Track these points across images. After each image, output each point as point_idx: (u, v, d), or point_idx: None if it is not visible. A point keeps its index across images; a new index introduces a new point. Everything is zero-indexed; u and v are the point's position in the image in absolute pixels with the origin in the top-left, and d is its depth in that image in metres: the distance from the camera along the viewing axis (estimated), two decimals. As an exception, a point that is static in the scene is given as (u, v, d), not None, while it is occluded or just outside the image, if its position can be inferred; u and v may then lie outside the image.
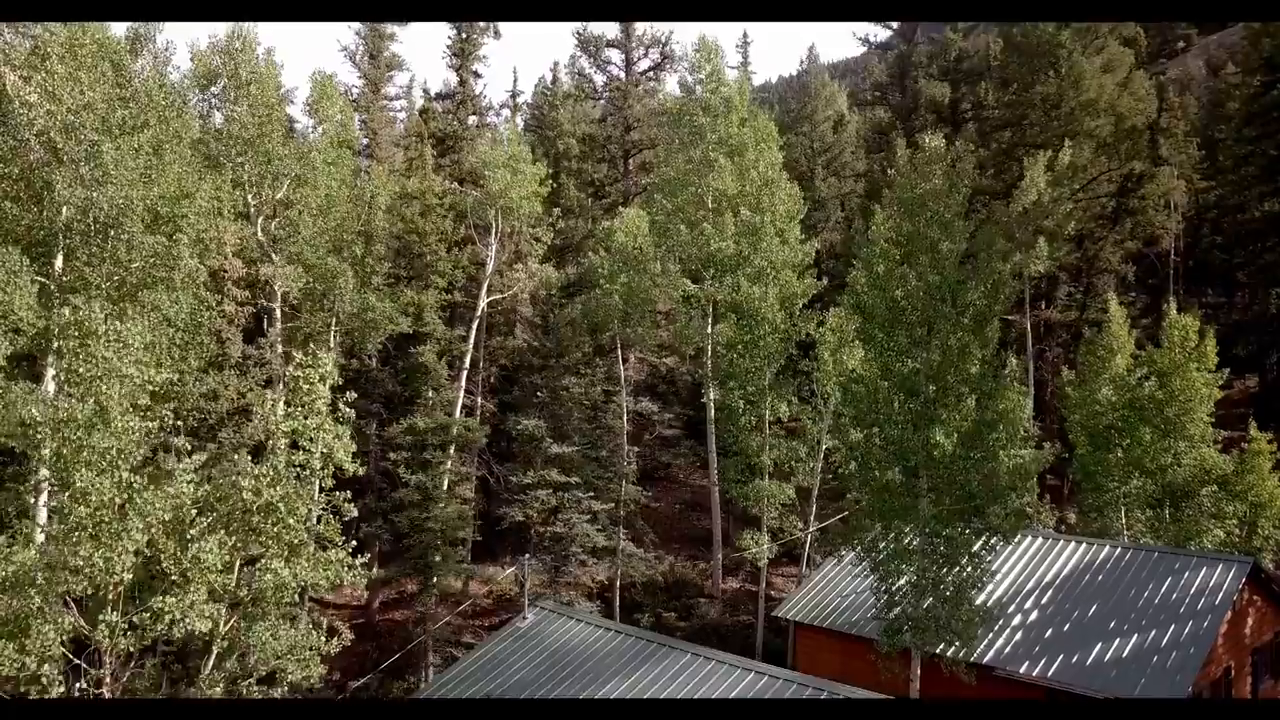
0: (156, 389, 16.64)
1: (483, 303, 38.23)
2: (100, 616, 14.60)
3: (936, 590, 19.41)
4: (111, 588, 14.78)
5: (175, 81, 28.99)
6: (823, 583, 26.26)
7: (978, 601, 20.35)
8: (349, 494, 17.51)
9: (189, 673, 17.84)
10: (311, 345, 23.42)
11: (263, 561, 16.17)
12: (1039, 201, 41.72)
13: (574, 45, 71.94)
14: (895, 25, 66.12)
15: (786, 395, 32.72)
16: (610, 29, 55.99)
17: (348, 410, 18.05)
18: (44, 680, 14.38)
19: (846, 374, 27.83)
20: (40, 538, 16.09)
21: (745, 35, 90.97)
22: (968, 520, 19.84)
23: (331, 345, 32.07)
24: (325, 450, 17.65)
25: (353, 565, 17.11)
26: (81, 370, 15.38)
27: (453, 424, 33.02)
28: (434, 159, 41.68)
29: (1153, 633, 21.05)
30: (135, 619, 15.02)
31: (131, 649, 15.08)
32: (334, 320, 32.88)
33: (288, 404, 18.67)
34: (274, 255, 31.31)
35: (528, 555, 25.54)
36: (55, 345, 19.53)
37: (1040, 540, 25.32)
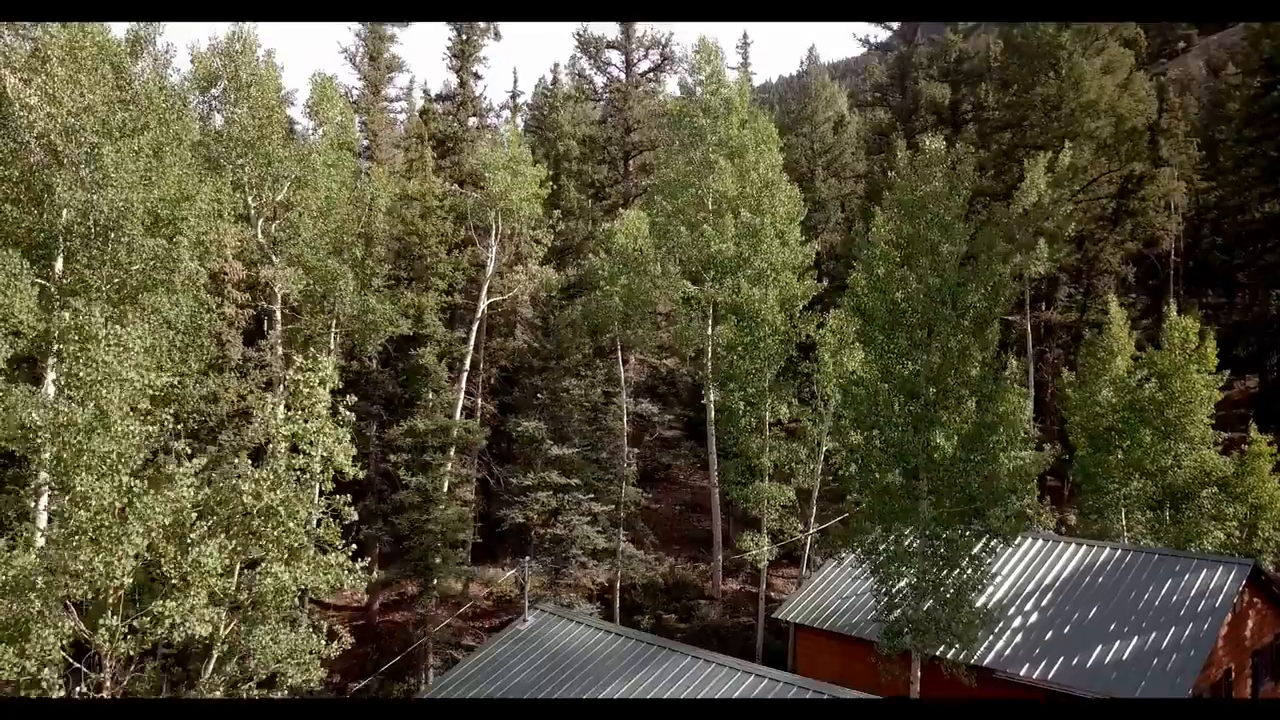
0: (157, 392, 16.64)
1: (483, 304, 38.24)
2: (100, 621, 14.61)
3: (937, 592, 19.40)
4: (112, 592, 14.78)
5: (175, 84, 29.01)
6: (823, 585, 26.25)
7: (978, 604, 20.34)
8: (349, 497, 17.50)
9: (189, 676, 17.82)
10: (311, 348, 23.46)
11: (263, 565, 16.17)
12: (1039, 203, 41.74)
13: (574, 46, 71.94)
14: (895, 26, 66.17)
15: (787, 397, 32.72)
16: (610, 30, 56.08)
17: (348, 414, 18.05)
18: (44, 684, 14.39)
19: (847, 376, 27.82)
20: (40, 541, 16.08)
21: (745, 36, 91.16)
22: (968, 522, 19.85)
23: (331, 347, 32.08)
24: (325, 454, 17.64)
25: (353, 569, 17.11)
26: (82, 374, 15.39)
27: (453, 426, 33.03)
28: (434, 161, 41.69)
29: (1153, 635, 21.05)
30: (135, 623, 15.01)
31: (131, 653, 15.07)
32: (334, 322, 32.89)
33: (288, 407, 18.66)
34: (274, 257, 31.31)
35: (528, 557, 25.54)
36: (55, 348, 19.53)
37: (1040, 542, 25.31)
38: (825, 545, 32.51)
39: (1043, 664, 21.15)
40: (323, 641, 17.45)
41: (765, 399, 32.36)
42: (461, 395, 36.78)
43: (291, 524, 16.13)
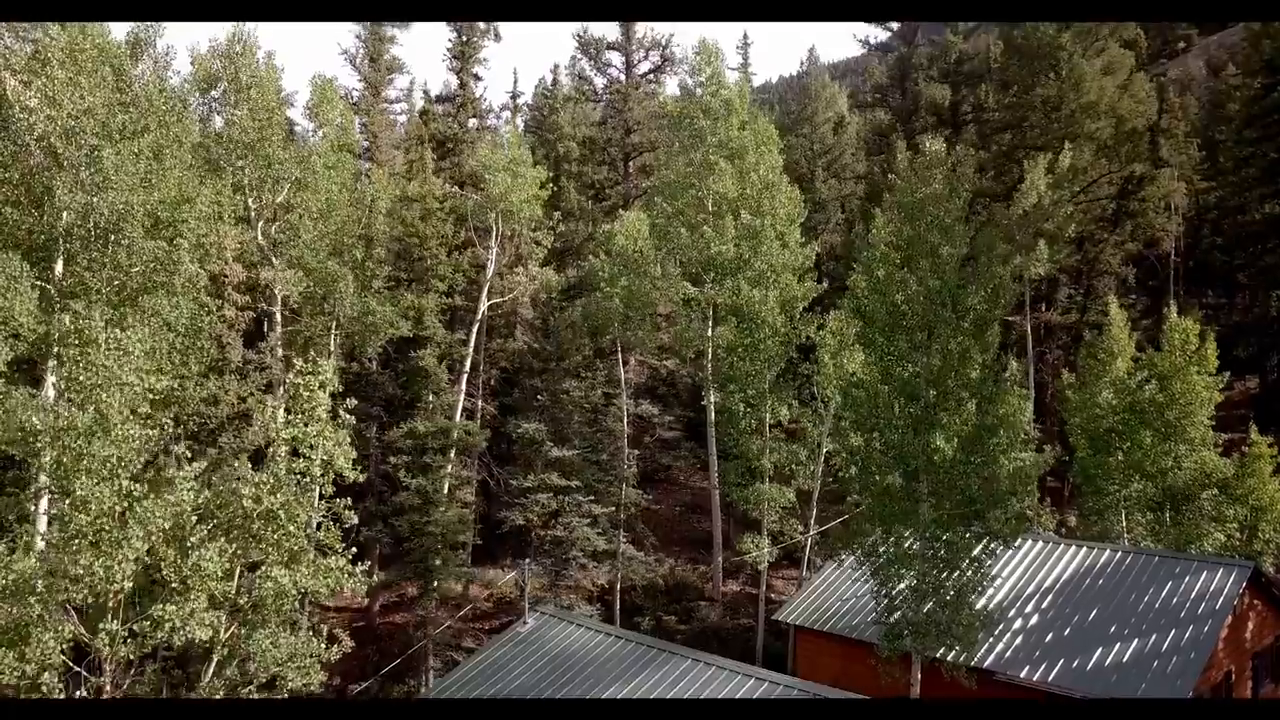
0: (157, 396, 16.65)
1: (483, 306, 38.24)
2: (100, 624, 14.61)
3: (937, 594, 19.39)
4: (112, 595, 14.78)
5: (175, 86, 28.99)
6: (823, 586, 26.24)
7: (978, 606, 20.32)
8: (349, 500, 17.50)
9: (189, 680, 17.82)
10: (312, 350, 23.45)
11: (263, 569, 16.18)
12: (1039, 204, 41.73)
13: (574, 47, 71.91)
14: (895, 27, 66.15)
15: (787, 398, 32.71)
16: (611, 31, 56.05)
17: (348, 417, 18.04)
18: (44, 688, 14.39)
19: (847, 378, 27.80)
20: (40, 545, 16.09)
21: (745, 36, 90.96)
22: (968, 524, 19.83)
23: (332, 349, 32.09)
24: (325, 457, 17.65)
25: (353, 573, 17.11)
26: (82, 378, 15.40)
27: (453, 427, 33.04)
28: (434, 162, 41.68)
29: (1153, 637, 21.04)
30: (135, 627, 15.02)
31: (131, 656, 15.09)
32: (334, 324, 32.88)
33: (288, 411, 18.67)
34: (274, 259, 31.30)
35: (528, 559, 25.53)
36: (55, 351, 19.53)
37: (1040, 544, 25.29)
38: (825, 547, 32.49)
39: (1043, 666, 21.14)
40: (323, 645, 17.46)
41: (765, 400, 32.35)
42: (462, 397, 36.78)
43: (292, 527, 16.14)
